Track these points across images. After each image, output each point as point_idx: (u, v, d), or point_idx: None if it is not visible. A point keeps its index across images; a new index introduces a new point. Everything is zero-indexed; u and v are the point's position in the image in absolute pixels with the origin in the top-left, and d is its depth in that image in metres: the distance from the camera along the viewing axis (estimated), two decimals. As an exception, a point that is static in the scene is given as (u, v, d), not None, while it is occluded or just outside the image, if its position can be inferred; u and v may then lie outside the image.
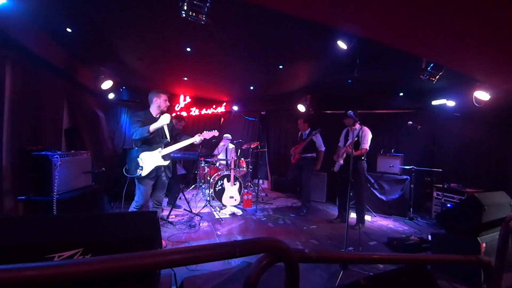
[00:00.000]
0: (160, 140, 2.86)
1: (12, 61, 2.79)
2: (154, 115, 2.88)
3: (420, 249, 3.03)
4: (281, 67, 4.20)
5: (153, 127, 2.65)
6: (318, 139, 4.50)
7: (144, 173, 2.73)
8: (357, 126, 3.80)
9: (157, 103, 2.86)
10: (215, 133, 3.18)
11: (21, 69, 2.93)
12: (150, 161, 2.77)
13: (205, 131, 3.09)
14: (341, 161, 3.91)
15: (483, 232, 2.37)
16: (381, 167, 4.96)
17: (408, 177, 4.57)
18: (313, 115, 5.82)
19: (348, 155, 3.65)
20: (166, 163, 2.88)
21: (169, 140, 2.93)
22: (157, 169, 2.82)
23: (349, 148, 3.50)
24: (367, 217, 4.31)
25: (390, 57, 3.40)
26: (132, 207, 2.83)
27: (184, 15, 2.30)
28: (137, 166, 2.73)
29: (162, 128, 2.88)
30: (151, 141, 2.80)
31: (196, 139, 2.98)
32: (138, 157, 2.74)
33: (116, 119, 5.90)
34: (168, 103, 2.93)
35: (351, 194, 2.90)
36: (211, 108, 6.96)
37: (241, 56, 3.84)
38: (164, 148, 2.84)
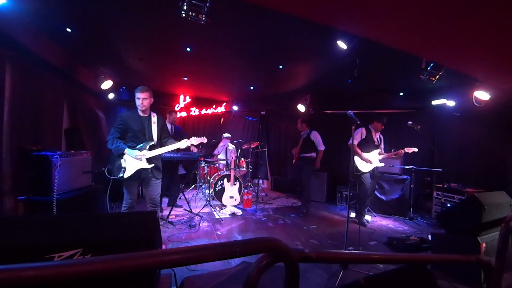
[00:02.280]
0: (146, 142, 2.70)
1: (12, 61, 2.79)
2: (141, 114, 2.73)
3: (420, 249, 3.03)
4: (281, 67, 4.20)
5: (129, 153, 2.57)
6: (316, 138, 4.50)
7: (126, 175, 2.61)
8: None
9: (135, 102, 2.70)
10: (204, 139, 2.93)
11: (21, 69, 2.93)
12: (133, 163, 2.63)
13: (193, 137, 2.87)
14: (379, 163, 3.98)
15: (483, 232, 2.37)
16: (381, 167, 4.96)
17: (408, 177, 4.57)
18: (313, 115, 5.82)
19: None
20: (150, 166, 2.67)
21: (155, 143, 2.74)
22: (141, 171, 2.66)
23: (402, 152, 3.82)
24: (367, 217, 4.31)
25: (390, 57, 3.40)
26: (122, 209, 2.75)
27: (184, 15, 2.30)
28: (120, 167, 2.62)
29: (149, 128, 2.73)
30: (137, 142, 2.67)
31: (182, 144, 2.78)
32: (122, 158, 2.63)
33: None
34: (139, 102, 2.65)
35: (351, 194, 2.98)
36: (211, 108, 6.96)
37: (241, 56, 3.84)
38: (149, 150, 2.67)
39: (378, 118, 4.04)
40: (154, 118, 2.80)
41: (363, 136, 4.00)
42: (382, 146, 4.14)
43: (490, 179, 4.32)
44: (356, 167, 3.97)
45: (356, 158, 3.98)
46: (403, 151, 3.82)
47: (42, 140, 3.26)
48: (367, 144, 4.01)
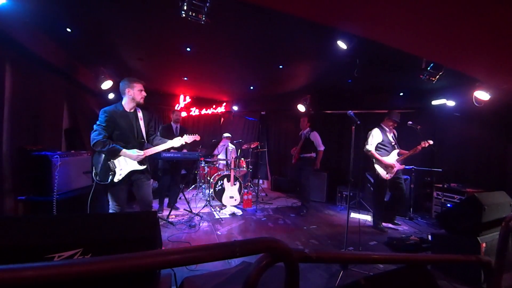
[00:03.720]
0: (136, 141, 2.47)
1: (12, 61, 2.79)
2: (128, 109, 2.46)
3: (420, 249, 3.03)
4: (281, 67, 4.20)
5: (130, 153, 2.36)
6: (316, 139, 4.49)
7: (116, 178, 2.36)
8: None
9: (130, 95, 2.42)
10: (197, 137, 2.83)
11: (21, 69, 2.93)
12: (123, 165, 2.40)
13: (186, 135, 2.74)
14: (400, 166, 3.68)
15: (483, 232, 2.37)
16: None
17: (408, 177, 4.57)
18: (313, 115, 5.82)
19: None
20: (143, 167, 2.49)
21: (145, 141, 2.57)
22: (133, 173, 2.45)
23: (420, 148, 3.51)
24: (367, 217, 4.31)
25: (390, 57, 3.40)
26: None
27: (184, 15, 2.30)
28: (108, 170, 2.33)
29: (138, 125, 2.51)
30: (125, 141, 2.42)
31: (176, 143, 2.63)
32: (110, 160, 2.36)
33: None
34: (144, 94, 2.48)
35: (351, 194, 2.94)
36: (211, 108, 6.97)
37: (241, 56, 3.84)
38: (140, 150, 2.48)
39: (388, 115, 3.75)
40: (140, 114, 2.56)
41: (380, 139, 3.68)
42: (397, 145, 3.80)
43: (490, 179, 4.32)
44: (380, 175, 3.66)
45: (377, 166, 3.69)
46: (420, 147, 3.51)
47: (42, 140, 3.26)
48: (385, 147, 3.68)
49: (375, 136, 3.69)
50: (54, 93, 3.66)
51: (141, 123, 2.54)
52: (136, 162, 2.45)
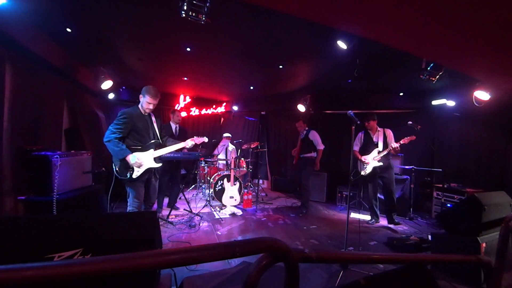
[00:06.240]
0: (152, 141, 2.73)
1: (12, 61, 2.79)
2: (143, 112, 2.73)
3: (420, 249, 3.03)
4: (281, 67, 4.20)
5: (132, 159, 2.49)
6: (315, 137, 4.49)
7: (135, 175, 2.56)
8: (379, 128, 4.01)
9: (141, 101, 2.69)
10: (205, 139, 3.15)
11: (21, 69, 2.93)
12: (143, 162, 2.61)
13: (195, 137, 3.09)
14: (376, 163, 3.89)
15: (483, 232, 2.37)
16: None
17: (408, 177, 4.57)
18: (313, 115, 5.82)
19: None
20: (158, 165, 2.74)
21: (160, 142, 2.83)
22: (148, 171, 2.69)
23: (398, 148, 3.65)
24: (367, 217, 4.31)
25: (390, 57, 3.40)
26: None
27: (184, 15, 2.30)
28: (127, 167, 2.53)
29: (153, 128, 2.79)
30: (142, 141, 2.66)
31: (188, 143, 2.93)
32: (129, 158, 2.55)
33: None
34: (150, 106, 2.68)
35: (351, 194, 2.96)
36: (211, 108, 6.96)
37: (241, 56, 3.84)
38: (155, 149, 2.72)
39: (366, 118, 4.03)
40: (153, 118, 2.87)
41: (362, 141, 4.10)
42: (391, 140, 3.90)
43: (490, 179, 4.32)
44: (356, 170, 4.06)
45: (358, 163, 4.09)
46: (397, 144, 3.63)
47: (42, 140, 3.26)
48: (367, 147, 4.04)
49: (357, 137, 4.17)
50: (54, 93, 3.65)
51: (155, 125, 2.83)
52: (153, 160, 2.69)
